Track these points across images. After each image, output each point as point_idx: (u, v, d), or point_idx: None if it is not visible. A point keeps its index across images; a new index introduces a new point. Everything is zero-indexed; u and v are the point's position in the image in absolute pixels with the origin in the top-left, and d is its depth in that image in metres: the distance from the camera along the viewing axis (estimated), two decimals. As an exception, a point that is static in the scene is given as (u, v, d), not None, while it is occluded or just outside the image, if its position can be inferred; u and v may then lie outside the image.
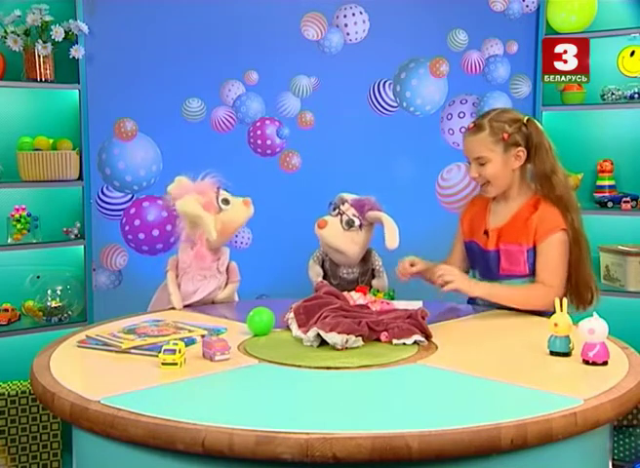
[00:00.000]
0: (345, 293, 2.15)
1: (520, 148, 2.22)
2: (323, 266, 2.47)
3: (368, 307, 2.05)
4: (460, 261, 2.39)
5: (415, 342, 1.86)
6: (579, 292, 2.24)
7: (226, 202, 2.34)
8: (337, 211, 2.38)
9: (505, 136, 2.20)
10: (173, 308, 2.33)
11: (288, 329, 1.98)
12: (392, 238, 2.27)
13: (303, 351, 1.81)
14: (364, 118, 3.47)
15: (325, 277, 2.46)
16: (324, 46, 3.39)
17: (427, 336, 1.90)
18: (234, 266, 2.44)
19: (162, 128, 3.23)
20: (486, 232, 2.29)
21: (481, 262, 2.33)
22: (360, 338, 1.84)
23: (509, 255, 2.23)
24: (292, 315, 1.99)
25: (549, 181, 2.21)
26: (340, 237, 2.35)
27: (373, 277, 2.46)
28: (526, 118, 2.24)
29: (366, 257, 2.45)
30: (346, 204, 2.39)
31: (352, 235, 2.36)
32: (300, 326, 1.93)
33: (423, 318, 1.94)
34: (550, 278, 2.18)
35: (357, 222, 2.35)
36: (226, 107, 3.32)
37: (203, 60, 3.26)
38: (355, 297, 2.14)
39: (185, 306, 2.33)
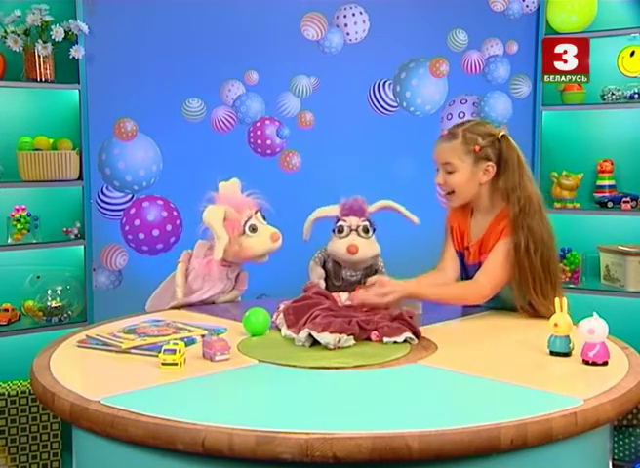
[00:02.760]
0: (334, 294, 2.15)
1: (490, 163, 2.20)
2: (325, 267, 2.47)
3: (355, 308, 2.05)
4: (453, 264, 2.34)
5: (405, 341, 1.87)
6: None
7: (253, 229, 2.29)
8: (347, 230, 2.38)
9: (477, 148, 2.18)
10: (173, 308, 2.33)
11: (279, 329, 1.98)
12: (411, 216, 2.42)
13: (296, 351, 1.81)
14: (364, 118, 3.47)
15: (327, 278, 2.45)
16: (324, 46, 3.39)
17: (417, 335, 1.90)
18: (244, 275, 2.44)
19: (162, 128, 3.23)
20: (467, 248, 2.29)
21: (466, 274, 2.32)
22: (352, 337, 1.85)
23: None
24: (281, 316, 1.99)
25: (509, 199, 2.18)
26: (367, 248, 2.38)
27: (375, 278, 2.46)
28: (501, 133, 2.22)
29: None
30: (348, 219, 2.39)
31: (371, 239, 2.41)
32: (288, 326, 1.93)
33: (411, 317, 1.94)
34: (481, 275, 2.18)
35: (369, 226, 2.39)
36: (226, 107, 3.31)
37: (203, 60, 3.25)
38: (343, 299, 2.15)
39: (186, 306, 2.33)
